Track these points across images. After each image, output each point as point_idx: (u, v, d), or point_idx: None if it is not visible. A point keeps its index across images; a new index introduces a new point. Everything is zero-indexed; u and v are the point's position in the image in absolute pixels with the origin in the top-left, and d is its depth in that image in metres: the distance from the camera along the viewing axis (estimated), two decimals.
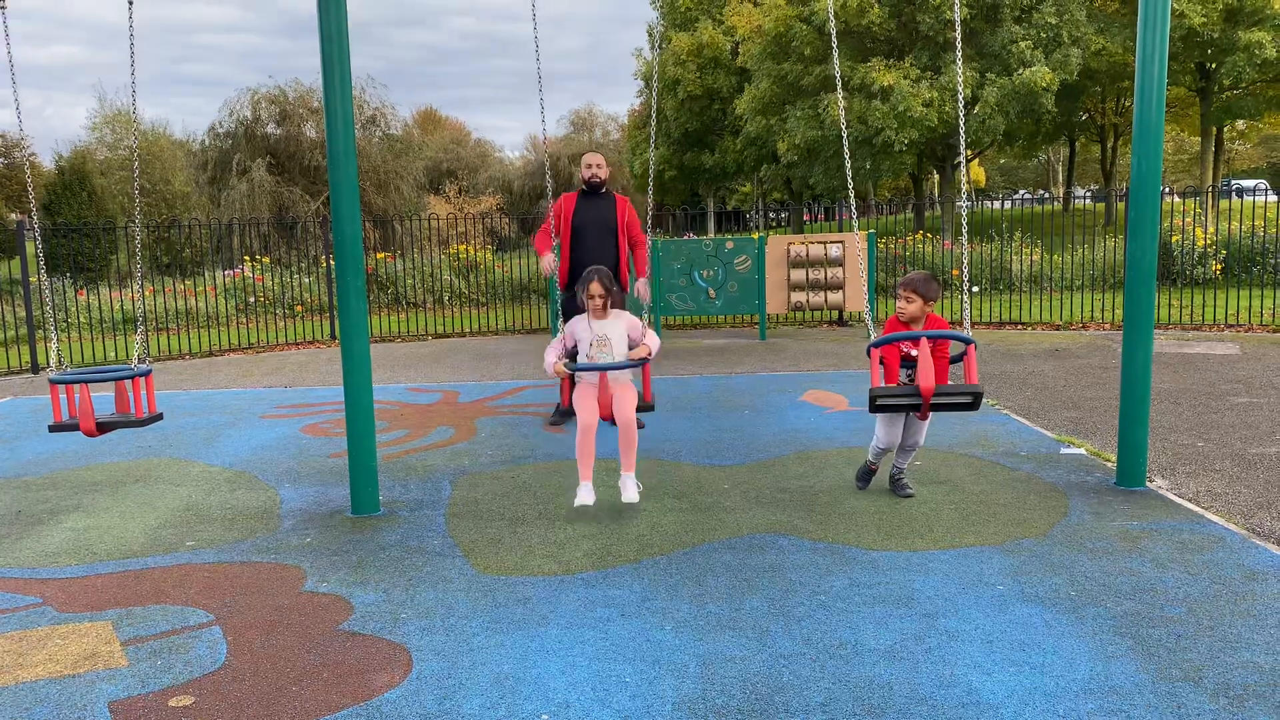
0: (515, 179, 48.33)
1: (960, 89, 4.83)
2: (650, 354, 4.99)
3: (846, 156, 4.97)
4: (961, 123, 4.65)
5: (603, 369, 4.91)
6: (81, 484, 5.90)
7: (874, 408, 4.34)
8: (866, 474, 5.23)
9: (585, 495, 4.89)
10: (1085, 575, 3.92)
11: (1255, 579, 3.84)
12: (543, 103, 5.16)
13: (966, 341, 4.27)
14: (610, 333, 5.04)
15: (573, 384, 5.08)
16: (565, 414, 7.32)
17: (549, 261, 6.52)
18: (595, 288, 5.01)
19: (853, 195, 5.39)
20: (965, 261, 4.61)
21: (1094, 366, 9.41)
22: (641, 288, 6.50)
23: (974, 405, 4.30)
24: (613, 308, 5.12)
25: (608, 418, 4.93)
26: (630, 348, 5.06)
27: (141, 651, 3.47)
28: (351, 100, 4.96)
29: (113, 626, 3.70)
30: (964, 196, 4.57)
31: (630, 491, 4.93)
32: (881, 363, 4.40)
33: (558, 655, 3.34)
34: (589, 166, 6.95)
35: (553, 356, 5.04)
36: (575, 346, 5.09)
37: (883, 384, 4.36)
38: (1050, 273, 15.93)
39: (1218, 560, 4.05)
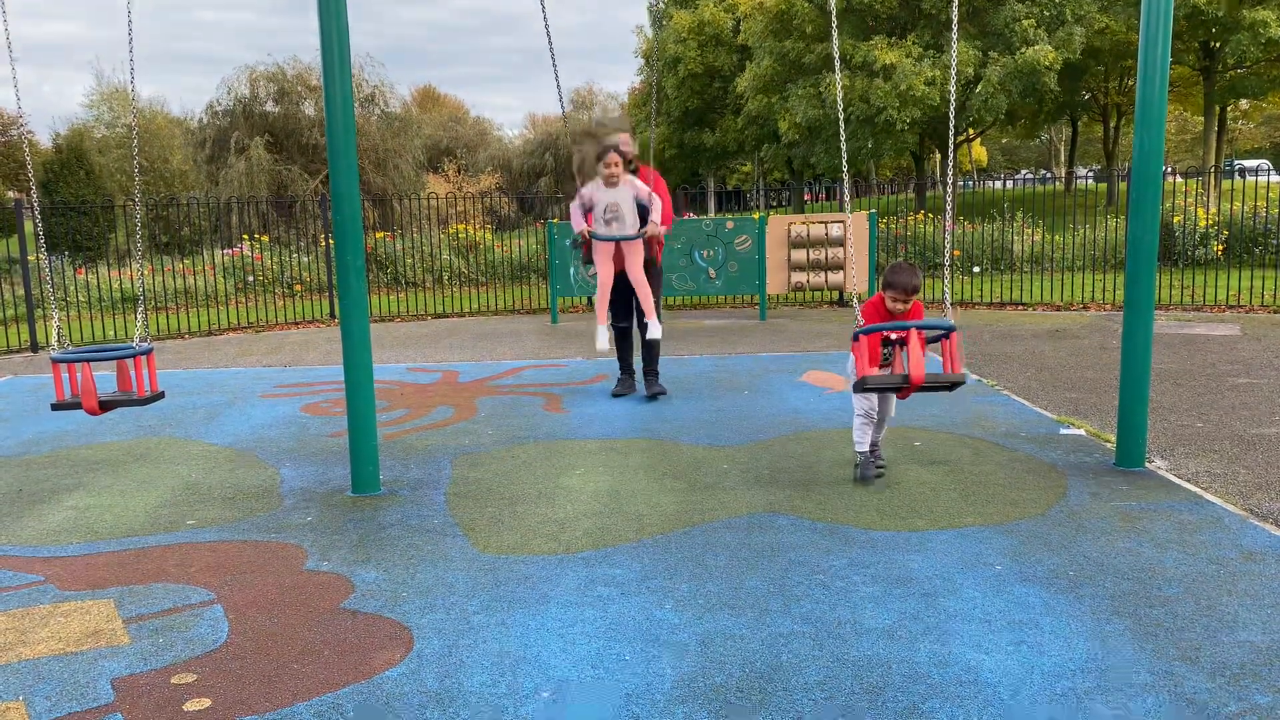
0: (514, 158, 48.14)
1: (954, 67, 4.84)
2: (659, 231, 6.39)
3: (849, 140, 4.95)
4: (952, 107, 4.65)
5: (618, 239, 6.41)
6: (82, 463, 5.91)
7: (861, 389, 4.53)
8: (866, 464, 5.03)
9: (602, 339, 6.59)
10: (1083, 555, 3.93)
11: (1253, 559, 3.85)
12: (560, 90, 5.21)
13: (949, 329, 4.42)
14: (621, 199, 6.36)
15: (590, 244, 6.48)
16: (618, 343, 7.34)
17: (582, 227, 6.58)
18: (613, 157, 6.32)
19: (847, 181, 5.39)
20: (948, 246, 4.66)
21: (1094, 347, 9.40)
22: (652, 229, 6.60)
23: (953, 389, 4.49)
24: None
25: (620, 269, 6.48)
26: (640, 208, 6.44)
27: (143, 629, 3.48)
28: (351, 77, 4.93)
29: (114, 604, 3.72)
30: (950, 179, 4.57)
31: (654, 330, 6.56)
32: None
33: (558, 634, 3.36)
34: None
35: (579, 218, 6.46)
36: (591, 208, 6.37)
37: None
38: (1051, 253, 15.91)
39: (1216, 540, 4.07)
